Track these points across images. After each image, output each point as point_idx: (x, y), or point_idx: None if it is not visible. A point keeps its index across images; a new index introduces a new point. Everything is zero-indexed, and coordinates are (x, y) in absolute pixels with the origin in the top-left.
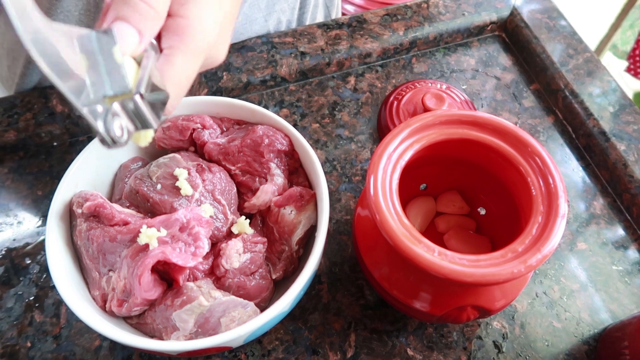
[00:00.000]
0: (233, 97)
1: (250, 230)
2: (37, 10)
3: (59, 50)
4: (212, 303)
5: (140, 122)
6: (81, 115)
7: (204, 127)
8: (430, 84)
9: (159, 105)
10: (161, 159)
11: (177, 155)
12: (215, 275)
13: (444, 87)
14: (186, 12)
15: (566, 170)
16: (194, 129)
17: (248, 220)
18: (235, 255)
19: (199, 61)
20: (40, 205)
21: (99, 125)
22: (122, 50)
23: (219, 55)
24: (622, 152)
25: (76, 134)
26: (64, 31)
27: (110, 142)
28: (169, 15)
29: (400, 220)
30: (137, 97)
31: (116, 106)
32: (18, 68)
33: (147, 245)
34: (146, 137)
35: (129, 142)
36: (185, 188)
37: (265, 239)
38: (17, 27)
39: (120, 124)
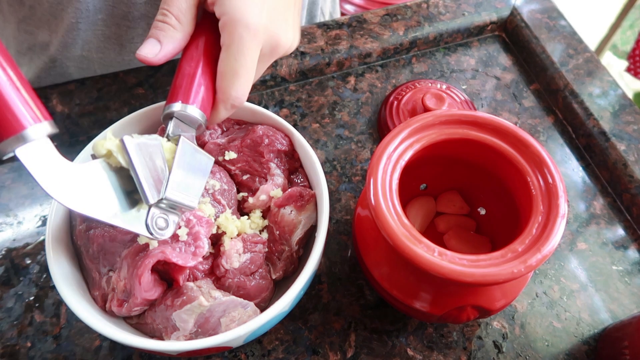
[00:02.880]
0: None
1: (250, 231)
2: (58, 160)
3: (87, 188)
4: (212, 303)
5: (180, 210)
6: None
7: None
8: (430, 84)
9: (194, 187)
10: None
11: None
12: (215, 275)
13: (444, 87)
14: (223, 9)
15: (566, 170)
16: None
17: (249, 221)
18: (235, 255)
19: (249, 51)
20: (40, 205)
21: (143, 230)
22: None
23: (281, 39)
24: (622, 152)
25: (76, 134)
26: (86, 169)
27: (157, 236)
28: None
29: (400, 220)
30: (163, 202)
31: (154, 210)
32: None
33: (147, 245)
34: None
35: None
36: None
37: (265, 239)
38: (43, 187)
39: (164, 219)
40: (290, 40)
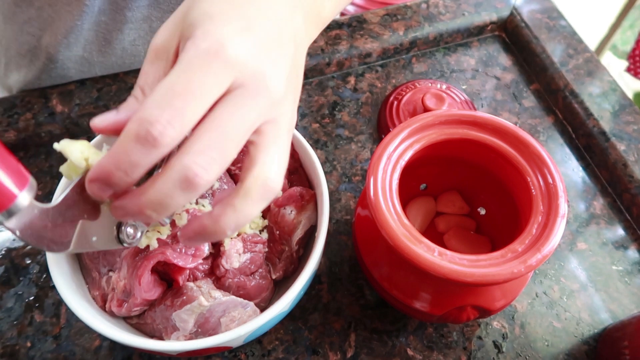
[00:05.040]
0: None
1: (250, 231)
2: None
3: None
4: (212, 303)
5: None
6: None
7: None
8: (430, 84)
9: None
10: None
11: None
12: (215, 275)
13: (444, 87)
14: (193, 33)
15: (566, 170)
16: None
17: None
18: (235, 255)
19: (203, 71)
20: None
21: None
22: None
23: (265, 80)
24: (622, 152)
25: (76, 134)
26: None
27: (128, 242)
28: None
29: (400, 220)
30: None
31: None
32: (0, 69)
33: (147, 246)
34: (163, 230)
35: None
36: None
37: (265, 239)
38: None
39: (134, 227)
40: (278, 90)
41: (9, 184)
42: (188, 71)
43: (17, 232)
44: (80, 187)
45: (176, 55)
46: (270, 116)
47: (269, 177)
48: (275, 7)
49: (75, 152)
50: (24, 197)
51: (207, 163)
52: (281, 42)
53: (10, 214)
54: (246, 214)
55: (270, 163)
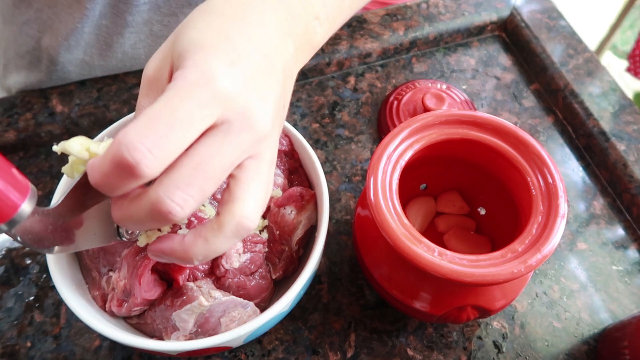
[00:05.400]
0: None
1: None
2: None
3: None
4: (212, 303)
5: None
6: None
7: None
8: (430, 84)
9: None
10: None
11: None
12: (215, 275)
13: (444, 87)
14: (182, 64)
15: (566, 170)
16: None
17: None
18: (235, 255)
19: (190, 99)
20: (40, 205)
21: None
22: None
23: (253, 117)
24: (622, 152)
25: (76, 134)
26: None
27: (127, 237)
28: None
29: (400, 220)
30: None
31: None
32: None
33: (147, 246)
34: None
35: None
36: None
37: (265, 239)
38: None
39: None
40: (264, 128)
41: (12, 195)
42: (175, 99)
43: (19, 238)
44: (79, 188)
45: (169, 79)
46: (253, 152)
47: (245, 215)
48: (265, 36)
49: (75, 145)
50: (27, 206)
51: (183, 200)
52: (270, 73)
53: (13, 224)
54: (216, 248)
55: (248, 200)
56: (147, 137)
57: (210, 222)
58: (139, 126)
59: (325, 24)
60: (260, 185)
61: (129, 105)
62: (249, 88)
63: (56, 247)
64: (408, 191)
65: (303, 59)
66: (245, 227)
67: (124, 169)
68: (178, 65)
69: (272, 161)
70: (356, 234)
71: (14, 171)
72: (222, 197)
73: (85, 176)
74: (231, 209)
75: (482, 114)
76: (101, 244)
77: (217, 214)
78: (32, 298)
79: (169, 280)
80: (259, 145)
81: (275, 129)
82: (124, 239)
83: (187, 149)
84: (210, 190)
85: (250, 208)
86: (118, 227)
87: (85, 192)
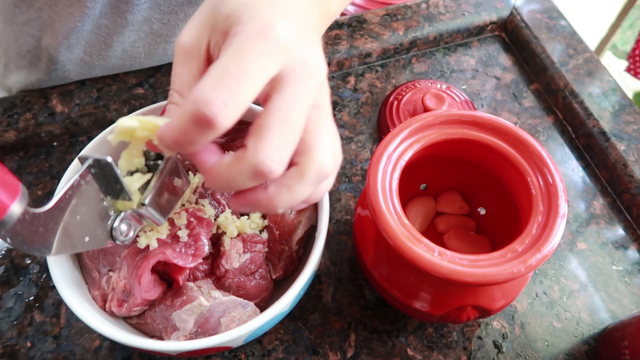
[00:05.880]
0: None
1: (250, 231)
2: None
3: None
4: (212, 303)
5: (147, 220)
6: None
7: None
8: (430, 84)
9: (167, 205)
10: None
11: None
12: (215, 275)
13: (444, 87)
14: (235, 25)
15: (566, 170)
16: None
17: (249, 221)
18: (235, 255)
19: (256, 54)
20: (40, 205)
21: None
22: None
23: (310, 64)
24: (622, 152)
25: (76, 134)
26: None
27: (120, 240)
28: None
29: (400, 220)
30: (142, 209)
31: (126, 213)
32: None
33: (147, 246)
34: (156, 227)
35: (134, 237)
36: None
37: (265, 239)
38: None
39: (129, 225)
40: (322, 73)
41: (1, 196)
42: (241, 52)
43: (8, 240)
44: (72, 189)
45: (208, 53)
46: (317, 99)
47: (324, 163)
48: (296, 2)
49: (126, 121)
50: (16, 208)
51: (280, 157)
52: (311, 27)
53: (2, 225)
54: (299, 195)
55: (324, 149)
56: (221, 91)
57: (292, 171)
58: (211, 81)
59: None
60: (331, 132)
61: (129, 105)
62: (303, 37)
63: (47, 250)
64: (408, 191)
65: (323, 26)
66: (324, 173)
67: (202, 123)
68: (228, 25)
69: (330, 109)
70: (356, 234)
71: (4, 172)
72: (297, 148)
73: (78, 179)
74: (310, 158)
75: (482, 114)
76: (94, 247)
77: (296, 163)
78: (32, 298)
79: (169, 280)
80: (320, 91)
81: (326, 81)
82: (117, 242)
83: (266, 105)
84: (295, 141)
85: (327, 155)
86: (112, 230)
87: (78, 194)
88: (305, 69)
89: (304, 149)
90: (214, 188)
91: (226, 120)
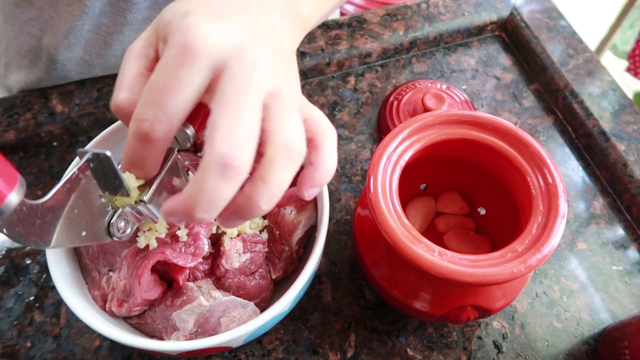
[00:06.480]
0: None
1: (250, 231)
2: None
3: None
4: (212, 303)
5: (145, 218)
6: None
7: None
8: (430, 84)
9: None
10: None
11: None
12: (215, 275)
13: (444, 87)
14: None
15: (566, 170)
16: None
17: (249, 221)
18: (235, 255)
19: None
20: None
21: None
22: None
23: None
24: (622, 152)
25: (76, 134)
26: (53, 198)
27: (117, 236)
28: None
29: (400, 220)
30: (141, 206)
31: (124, 209)
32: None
33: (146, 246)
34: (154, 227)
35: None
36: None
37: (265, 239)
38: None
39: (126, 222)
40: (261, 58)
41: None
42: (165, 66)
43: (5, 230)
44: (71, 183)
45: (156, 55)
46: (269, 88)
47: (289, 139)
48: (248, 4)
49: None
50: (14, 197)
51: (238, 143)
52: (259, 27)
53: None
54: (277, 182)
55: (286, 127)
56: (149, 107)
57: (261, 162)
58: (143, 99)
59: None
60: (293, 115)
61: None
62: (236, 31)
63: (44, 243)
64: (408, 191)
65: (294, 31)
66: (293, 150)
67: (142, 139)
68: (166, 35)
69: (295, 103)
70: (356, 234)
71: (2, 161)
72: (260, 139)
73: (77, 173)
74: (273, 140)
75: (482, 114)
76: (92, 242)
77: (261, 153)
78: (32, 298)
79: (169, 280)
80: (269, 79)
81: (279, 67)
82: (114, 238)
83: (211, 104)
84: (251, 127)
85: (291, 131)
86: (109, 226)
87: (76, 188)
88: (239, 58)
89: (266, 137)
90: (198, 213)
91: (162, 132)
